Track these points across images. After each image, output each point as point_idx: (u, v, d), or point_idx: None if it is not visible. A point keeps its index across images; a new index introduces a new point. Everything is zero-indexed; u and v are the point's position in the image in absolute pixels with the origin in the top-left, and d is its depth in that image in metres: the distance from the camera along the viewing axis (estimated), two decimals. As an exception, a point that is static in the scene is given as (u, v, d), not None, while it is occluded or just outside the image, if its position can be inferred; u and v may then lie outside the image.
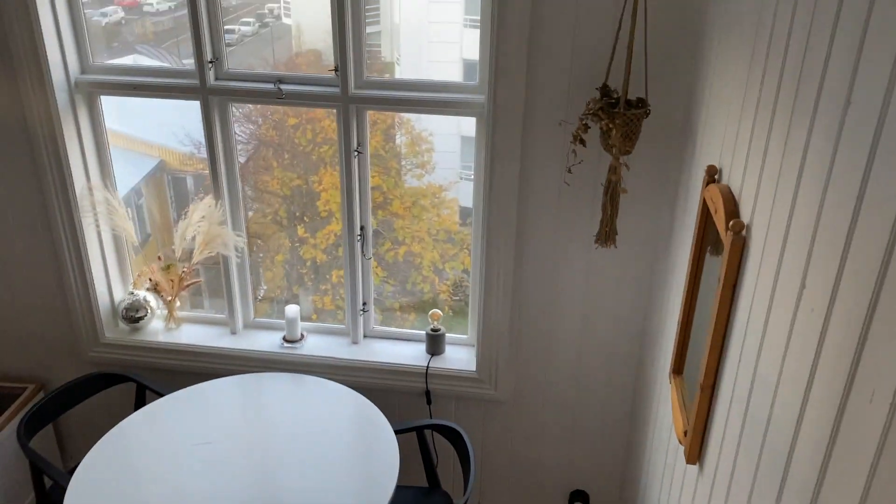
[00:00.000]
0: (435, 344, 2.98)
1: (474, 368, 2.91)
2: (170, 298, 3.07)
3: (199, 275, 3.21)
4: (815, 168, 1.13)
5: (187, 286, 3.08)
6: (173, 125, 2.77)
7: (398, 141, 2.88)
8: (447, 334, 3.02)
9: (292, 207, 3.11)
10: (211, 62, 2.62)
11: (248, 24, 2.68)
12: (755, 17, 1.56)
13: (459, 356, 3.00)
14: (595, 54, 2.27)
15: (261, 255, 3.29)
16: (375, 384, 2.95)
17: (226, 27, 2.60)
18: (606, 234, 2.36)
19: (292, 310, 3.02)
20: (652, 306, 2.61)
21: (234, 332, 3.11)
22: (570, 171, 2.33)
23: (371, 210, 2.88)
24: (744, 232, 1.47)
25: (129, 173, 2.99)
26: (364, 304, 3.03)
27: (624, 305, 2.69)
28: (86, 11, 2.68)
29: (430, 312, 2.99)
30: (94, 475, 2.39)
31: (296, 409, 2.75)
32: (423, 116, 2.87)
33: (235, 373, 2.96)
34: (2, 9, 2.51)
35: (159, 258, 3.03)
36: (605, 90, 2.24)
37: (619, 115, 2.14)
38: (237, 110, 2.87)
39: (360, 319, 3.04)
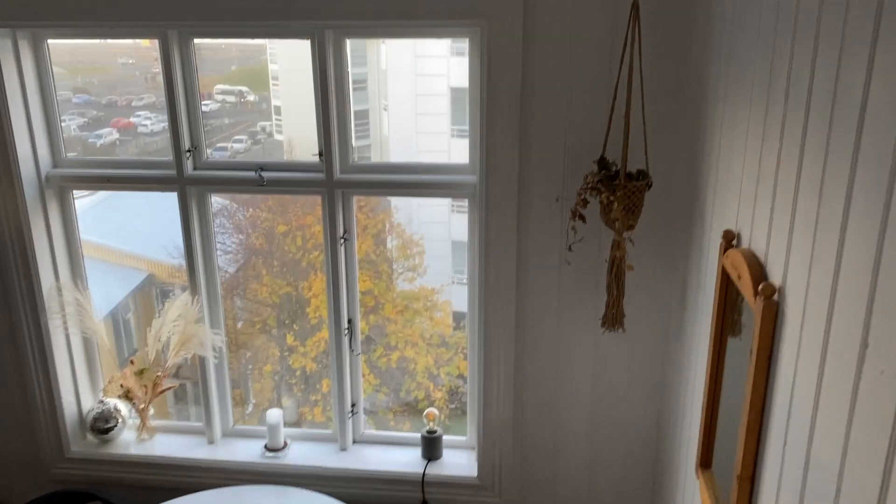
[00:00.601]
0: (431, 447, 2.73)
1: (475, 474, 2.64)
2: (142, 406, 2.83)
3: (177, 378, 2.98)
4: (863, 212, 0.96)
5: (161, 392, 2.84)
6: (162, 237, 2.67)
7: (389, 245, 2.82)
8: (444, 436, 2.77)
9: (282, 315, 2.96)
10: (189, 151, 2.50)
11: (240, 141, 2.63)
12: (766, 67, 1.44)
13: (459, 461, 2.74)
14: (590, 126, 2.16)
15: (249, 366, 3.11)
16: (367, 496, 2.67)
17: (218, 144, 2.52)
18: (613, 317, 2.18)
19: (274, 415, 2.77)
20: (668, 393, 2.39)
21: (211, 442, 2.85)
22: (570, 249, 2.17)
23: (359, 303, 2.70)
24: (776, 296, 1.29)
25: (116, 287, 2.89)
26: (353, 405, 2.79)
27: (636, 394, 2.47)
28: (82, 133, 2.56)
29: (426, 412, 2.75)
30: None
31: (278, 526, 2.47)
32: (415, 219, 2.77)
33: (213, 486, 2.68)
34: (-30, 102, 2.41)
35: (131, 362, 2.81)
36: (602, 163, 2.11)
37: (619, 188, 2.01)
38: (227, 221, 2.72)
39: (349, 423, 2.79)
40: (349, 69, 2.36)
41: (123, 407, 2.86)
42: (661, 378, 2.42)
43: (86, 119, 2.56)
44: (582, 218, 2.10)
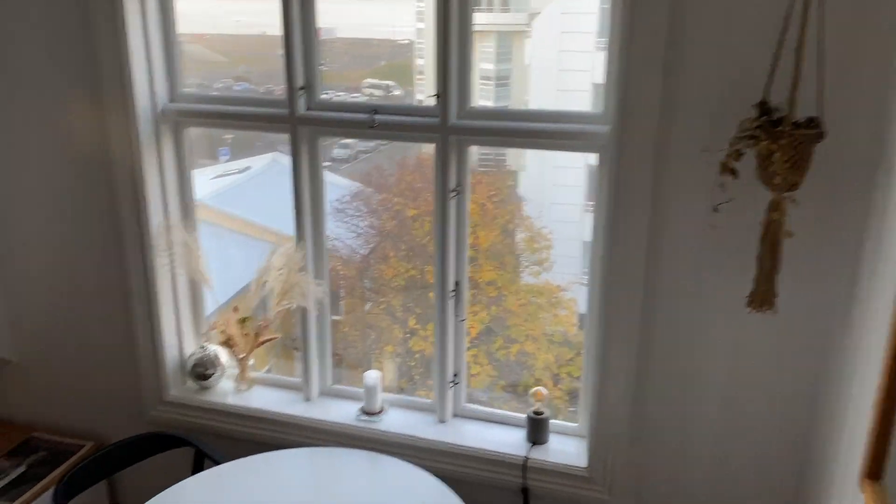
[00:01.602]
0: (537, 430, 2.47)
1: (584, 464, 2.36)
2: (242, 356, 2.75)
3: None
4: None
5: (262, 342, 2.75)
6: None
7: (517, 237, 2.73)
8: (552, 420, 2.51)
9: (406, 298, 2.86)
10: (302, 88, 2.36)
11: None
12: None
13: (566, 448, 2.46)
14: (750, 65, 1.81)
15: (374, 348, 3.04)
16: (462, 473, 2.45)
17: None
18: (763, 295, 1.83)
19: (372, 377, 2.61)
20: (826, 388, 2.01)
21: (307, 399, 2.73)
22: (716, 209, 1.84)
23: (467, 265, 2.47)
24: None
25: (254, 260, 2.82)
26: (455, 375, 2.58)
27: (783, 388, 2.09)
28: None
29: (533, 390, 2.49)
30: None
31: (367, 493, 2.30)
32: (545, 211, 2.62)
33: (304, 444, 2.56)
34: (93, 30, 2.38)
35: (235, 309, 2.73)
36: (764, 107, 1.77)
37: (784, 135, 1.66)
38: (363, 205, 2.67)
39: (450, 394, 2.58)
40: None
41: (224, 355, 2.80)
42: (816, 370, 2.04)
43: None
44: (733, 173, 1.77)
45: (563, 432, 2.52)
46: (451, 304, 2.46)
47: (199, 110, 2.52)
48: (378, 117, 2.31)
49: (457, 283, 2.46)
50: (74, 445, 2.85)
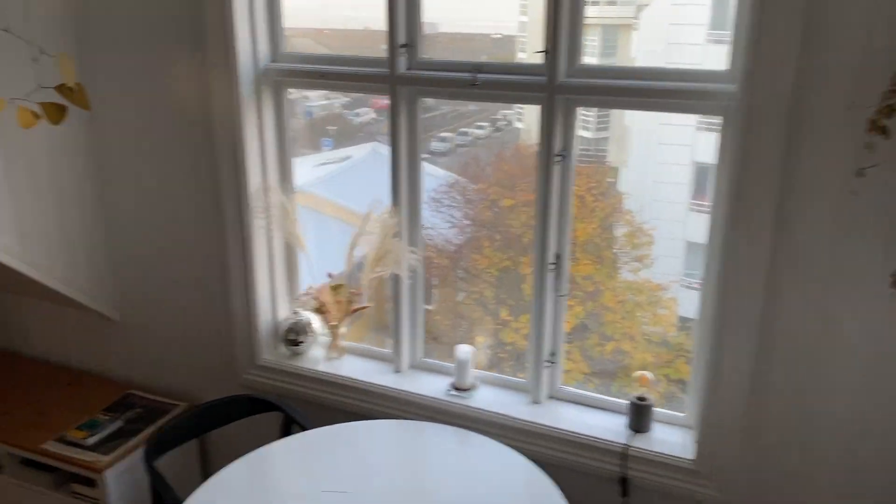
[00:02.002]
0: (640, 417, 2.30)
1: (691, 456, 2.18)
2: (334, 323, 2.70)
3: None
4: None
5: (354, 311, 2.69)
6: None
7: (616, 232, 2.63)
8: (656, 409, 2.33)
9: (498, 290, 2.77)
10: (404, 46, 2.28)
11: (481, 127, 2.68)
12: None
13: (671, 438, 2.28)
14: (912, 7, 1.58)
15: (465, 338, 2.98)
16: (557, 458, 2.31)
17: (460, 129, 2.55)
18: (913, 273, 1.60)
19: (463, 350, 2.50)
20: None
21: (397, 371, 2.65)
22: (861, 173, 1.62)
23: (569, 238, 2.32)
24: None
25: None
26: (552, 354, 2.43)
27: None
28: (343, 111, 2.65)
29: (637, 374, 2.32)
30: (204, 506, 1.99)
31: (455, 471, 2.20)
32: (646, 206, 2.48)
33: (391, 416, 2.49)
34: (199, -11, 2.38)
35: (329, 275, 2.69)
36: (926, 55, 1.54)
37: (952, 85, 1.44)
38: (459, 195, 2.67)
39: (545, 374, 2.44)
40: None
41: (317, 322, 2.76)
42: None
43: (348, 98, 2.69)
44: (883, 131, 1.55)
45: (667, 421, 2.34)
46: (550, 277, 2.32)
47: (299, 69, 2.48)
48: (481, 76, 2.19)
49: (558, 256, 2.32)
50: (168, 405, 2.89)
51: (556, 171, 2.20)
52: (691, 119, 2.29)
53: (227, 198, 2.57)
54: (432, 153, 2.55)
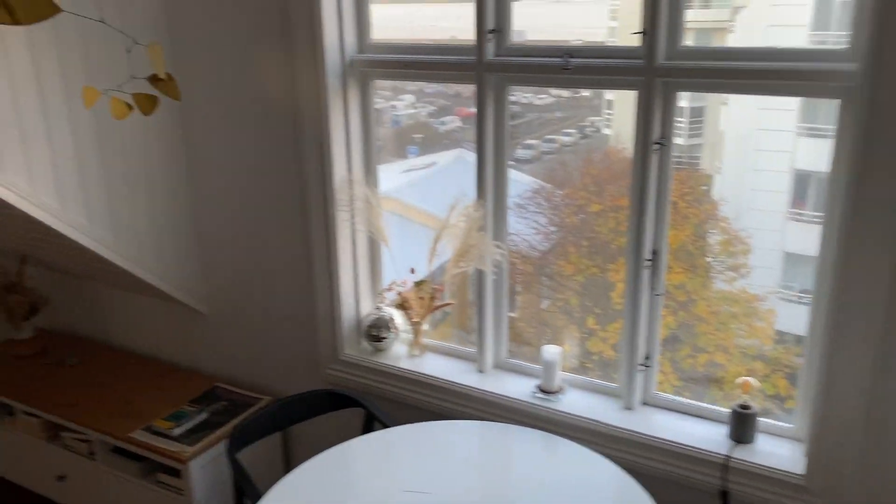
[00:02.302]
0: (742, 427, 2.12)
1: (801, 471, 1.99)
2: (416, 320, 2.64)
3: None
4: None
5: (437, 307, 2.62)
6: None
7: (711, 240, 2.52)
8: (761, 419, 2.15)
9: (584, 297, 2.67)
10: (492, 32, 2.19)
11: (568, 134, 2.62)
12: None
13: (777, 450, 2.10)
14: None
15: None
16: (651, 468, 2.17)
17: (546, 136, 2.50)
18: None
19: (551, 351, 2.39)
20: None
21: (481, 371, 2.56)
22: None
23: (667, 233, 2.18)
24: None
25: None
26: (647, 358, 2.29)
27: None
28: (429, 120, 2.64)
29: (740, 380, 2.15)
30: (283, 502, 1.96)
31: (541, 477, 2.08)
32: (742, 213, 2.36)
33: (474, 417, 2.40)
34: (288, -21, 2.37)
35: (412, 270, 2.63)
36: None
37: None
38: (545, 202, 2.59)
39: (639, 379, 2.30)
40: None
41: (399, 318, 2.71)
42: None
43: (434, 107, 2.73)
44: None
45: (773, 432, 2.16)
46: (646, 274, 2.18)
47: (385, 59, 2.43)
48: (573, 60, 2.09)
49: (654, 252, 2.18)
50: (253, 398, 2.90)
51: (654, 160, 2.06)
52: (791, 124, 2.17)
53: (311, 190, 2.55)
54: (518, 160, 2.52)
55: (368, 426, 2.47)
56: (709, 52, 1.98)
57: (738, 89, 1.99)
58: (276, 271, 2.78)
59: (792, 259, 2.34)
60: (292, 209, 2.64)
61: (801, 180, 2.25)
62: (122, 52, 2.07)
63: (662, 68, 1.97)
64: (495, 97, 2.28)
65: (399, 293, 2.62)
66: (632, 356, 2.27)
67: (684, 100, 2.27)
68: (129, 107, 2.10)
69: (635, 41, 2.00)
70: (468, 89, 2.42)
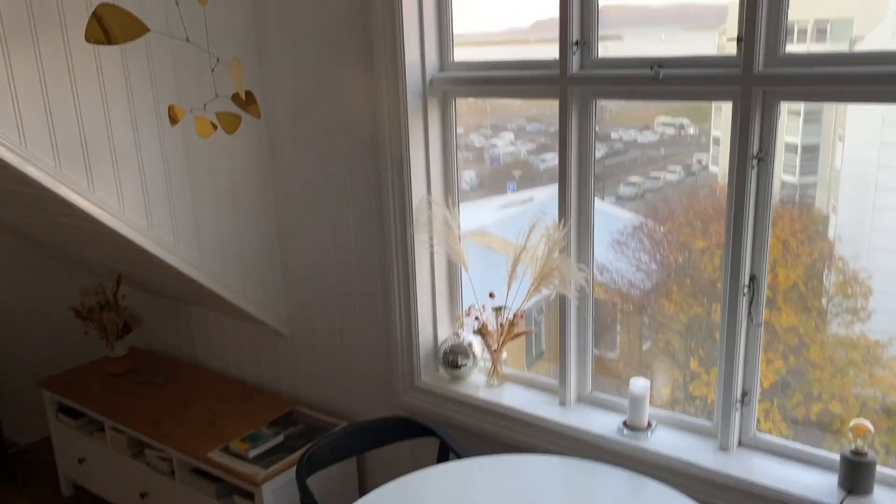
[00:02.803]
0: (856, 475, 1.89)
1: (927, 530, 1.74)
2: (495, 347, 2.52)
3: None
4: None
5: (516, 335, 2.51)
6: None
7: (826, 281, 2.37)
8: (880, 468, 1.90)
9: (688, 340, 2.52)
10: (576, 44, 2.10)
11: (674, 172, 2.55)
12: None
13: (898, 505, 1.85)
14: None
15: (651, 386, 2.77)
16: (748, 516, 1.96)
17: (651, 174, 2.44)
18: None
19: (639, 385, 2.22)
20: None
21: (563, 403, 2.41)
22: None
23: (768, 256, 1.99)
24: None
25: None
26: (745, 394, 2.09)
27: None
28: (530, 157, 2.64)
29: (853, 424, 1.92)
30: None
31: (623, 519, 1.92)
32: (861, 253, 2.17)
33: (555, 453, 2.26)
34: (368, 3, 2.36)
35: (491, 295, 2.52)
36: None
37: None
38: (646, 238, 2.50)
39: (736, 417, 2.10)
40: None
41: (478, 345, 2.60)
42: None
43: (535, 145, 2.72)
44: None
45: (893, 484, 1.90)
46: (743, 301, 1.99)
47: (466, 77, 2.37)
48: (664, 71, 1.96)
49: (752, 278, 1.99)
50: (329, 423, 2.85)
51: (753, 175, 1.89)
52: None
53: (390, 210, 2.50)
54: (620, 197, 2.49)
55: (443, 456, 2.36)
56: (817, 57, 1.80)
57: (852, 97, 1.79)
58: (353, 293, 2.75)
59: None
60: (372, 230, 2.60)
61: None
62: (209, 72, 2.10)
63: (762, 77, 1.81)
64: (579, 110, 2.17)
65: (477, 318, 2.52)
66: (729, 392, 2.07)
67: (795, 136, 2.20)
68: (214, 126, 2.13)
69: (731, 50, 1.86)
70: None
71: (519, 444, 2.38)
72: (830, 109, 2.16)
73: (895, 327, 2.19)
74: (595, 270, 2.38)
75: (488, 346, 2.55)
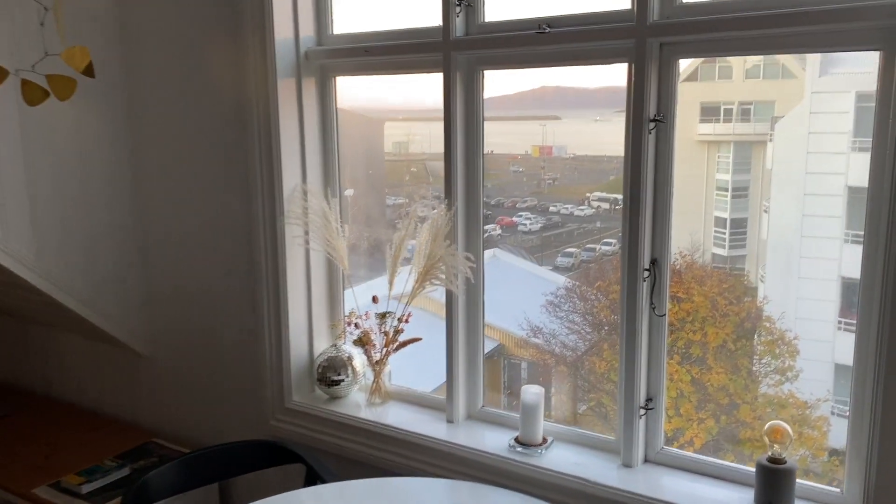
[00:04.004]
0: (774, 486, 1.63)
1: (855, 547, 1.48)
2: (377, 359, 2.21)
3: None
4: None
5: (403, 344, 2.20)
6: (516, 309, 2.65)
7: (755, 339, 2.43)
8: (800, 480, 1.65)
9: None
10: (459, 3, 1.88)
11: (608, 244, 2.60)
12: None
13: (823, 521, 1.59)
14: None
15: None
16: (654, 541, 1.66)
17: (587, 245, 2.53)
18: None
19: (532, 392, 1.94)
20: None
21: (450, 421, 2.10)
22: None
23: (671, 238, 1.77)
24: None
25: None
26: (649, 400, 1.82)
27: None
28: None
29: (769, 426, 1.67)
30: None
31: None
32: (791, 314, 2.23)
33: (441, 475, 1.94)
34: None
35: (375, 299, 2.22)
36: None
37: None
38: (577, 299, 2.53)
39: (640, 427, 1.82)
40: None
41: (359, 358, 2.28)
42: None
43: None
44: None
45: (815, 499, 1.65)
46: (643, 288, 1.75)
47: (344, 48, 2.13)
48: (552, 30, 1.75)
49: (653, 262, 1.76)
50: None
51: (651, 140, 1.68)
52: (837, 231, 2.05)
53: (258, 201, 2.20)
54: (557, 267, 2.59)
55: (311, 485, 2.01)
56: (709, 5, 1.62)
57: (757, 47, 1.61)
58: (219, 300, 2.40)
59: (844, 371, 2.06)
60: (240, 225, 2.29)
61: (850, 289, 2.05)
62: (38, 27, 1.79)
63: (656, 26, 1.62)
64: (465, 82, 1.94)
65: (356, 325, 2.21)
66: (630, 397, 1.81)
67: (724, 211, 2.30)
68: (45, 91, 1.82)
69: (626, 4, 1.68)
70: (508, 200, 2.57)
71: (403, 468, 2.05)
72: (756, 182, 2.27)
73: (822, 390, 2.19)
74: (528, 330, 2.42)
75: (370, 359, 2.23)
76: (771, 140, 2.17)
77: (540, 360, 2.56)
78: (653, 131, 1.68)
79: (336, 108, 2.25)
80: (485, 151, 1.99)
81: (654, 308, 1.77)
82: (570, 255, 2.58)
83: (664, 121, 1.67)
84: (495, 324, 2.67)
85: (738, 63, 2.13)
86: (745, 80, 2.19)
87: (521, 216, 2.66)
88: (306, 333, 2.30)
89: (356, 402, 2.26)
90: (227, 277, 2.36)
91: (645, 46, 1.63)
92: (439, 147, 1.99)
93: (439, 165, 2.00)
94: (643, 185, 1.69)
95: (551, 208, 2.49)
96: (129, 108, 2.45)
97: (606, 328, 2.55)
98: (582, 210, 2.52)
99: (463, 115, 1.96)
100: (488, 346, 2.79)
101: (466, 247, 2.02)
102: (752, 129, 2.20)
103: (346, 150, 2.31)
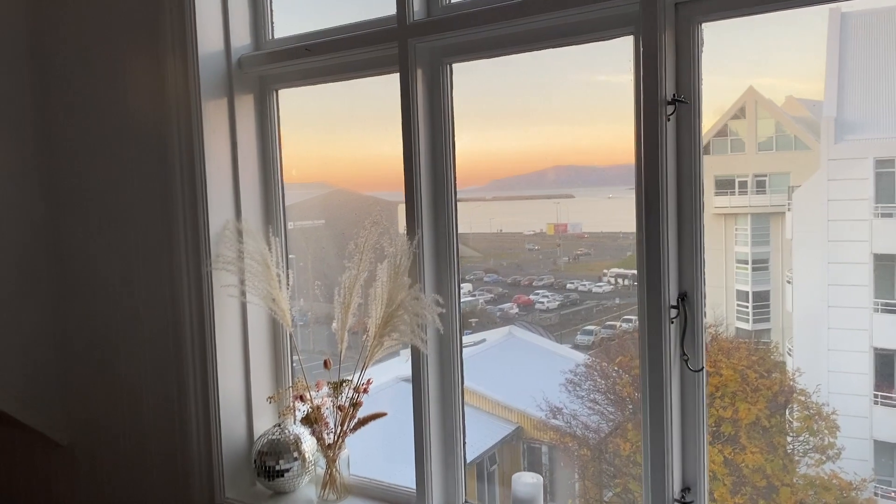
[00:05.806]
0: None
1: None
2: (331, 441, 1.72)
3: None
4: None
5: (361, 423, 1.71)
6: (534, 389, 2.67)
7: (789, 415, 2.41)
8: None
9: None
10: (418, -20, 1.50)
11: (628, 321, 2.62)
12: None
13: None
14: None
15: None
16: None
17: (607, 322, 2.58)
18: None
19: (526, 481, 1.44)
20: None
21: (423, 518, 1.60)
22: None
23: (704, 262, 1.30)
24: None
25: (484, 436, 2.73)
26: (686, 490, 1.32)
27: None
28: (487, 307, 2.69)
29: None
30: None
31: None
32: (825, 388, 2.16)
33: None
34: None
35: (326, 364, 1.75)
36: None
37: None
38: (599, 377, 2.60)
39: (676, 525, 1.32)
40: None
41: (309, 441, 1.79)
42: None
43: (492, 295, 2.78)
44: None
45: None
46: (669, 332, 1.27)
47: (284, 50, 1.73)
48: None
49: (682, 297, 1.29)
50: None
51: (671, 128, 1.24)
52: (866, 300, 2.04)
53: (179, 243, 1.77)
54: (577, 345, 2.60)
55: None
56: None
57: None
58: (144, 373, 1.93)
59: (884, 448, 2.13)
60: (162, 274, 1.84)
61: (884, 360, 2.06)
62: None
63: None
64: (428, 79, 1.53)
65: (303, 398, 1.73)
66: (659, 488, 1.30)
67: (745, 284, 2.27)
68: None
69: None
70: (525, 278, 2.59)
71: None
72: (777, 252, 2.30)
73: (865, 470, 2.12)
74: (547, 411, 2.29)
75: (322, 442, 1.74)
76: (789, 209, 2.19)
77: (561, 444, 2.49)
78: (672, 116, 1.24)
79: (279, 127, 1.84)
80: (457, 189, 1.56)
81: (686, 360, 1.29)
82: (589, 332, 2.58)
83: (686, 101, 1.24)
84: (513, 405, 2.67)
85: (749, 136, 2.21)
86: (757, 152, 2.24)
87: (537, 294, 2.68)
88: (244, 410, 1.83)
89: (306, 499, 1.76)
90: (149, 344, 1.90)
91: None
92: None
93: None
94: (661, 187, 1.24)
95: (568, 285, 2.51)
96: (39, 140, 2.06)
97: (631, 407, 2.49)
98: (600, 287, 2.54)
99: (427, 121, 1.53)
100: (506, 429, 2.76)
101: (436, 287, 1.56)
102: (769, 200, 2.23)
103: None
